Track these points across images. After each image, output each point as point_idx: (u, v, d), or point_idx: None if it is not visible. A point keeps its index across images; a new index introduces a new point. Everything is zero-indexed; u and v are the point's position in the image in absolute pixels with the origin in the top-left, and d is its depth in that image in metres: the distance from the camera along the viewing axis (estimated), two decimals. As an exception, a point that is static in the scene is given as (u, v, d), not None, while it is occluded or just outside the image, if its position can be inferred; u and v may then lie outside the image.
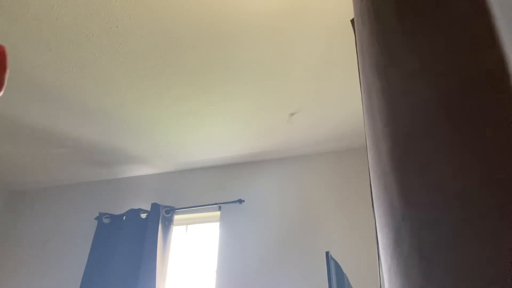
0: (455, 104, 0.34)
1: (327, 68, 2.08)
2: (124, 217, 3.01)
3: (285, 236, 2.73)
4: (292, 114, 2.50)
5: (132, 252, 2.83)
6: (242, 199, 2.96)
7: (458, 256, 0.31)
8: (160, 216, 2.90)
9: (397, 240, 0.39)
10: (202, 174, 3.23)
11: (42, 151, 2.93)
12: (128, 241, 2.88)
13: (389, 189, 0.42)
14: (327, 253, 1.65)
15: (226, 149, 2.96)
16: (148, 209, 3.01)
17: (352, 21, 1.03)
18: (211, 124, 2.61)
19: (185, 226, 3.18)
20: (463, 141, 0.33)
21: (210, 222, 3.11)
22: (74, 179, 3.50)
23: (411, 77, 0.40)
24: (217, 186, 3.12)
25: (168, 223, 2.98)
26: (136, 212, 3.00)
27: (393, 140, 0.42)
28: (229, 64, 2.04)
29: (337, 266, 1.73)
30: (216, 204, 2.99)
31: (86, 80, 2.14)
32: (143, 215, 2.99)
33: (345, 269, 1.90)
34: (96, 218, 3.11)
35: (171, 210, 3.02)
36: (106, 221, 3.05)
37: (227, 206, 2.99)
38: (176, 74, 2.11)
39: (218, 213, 3.02)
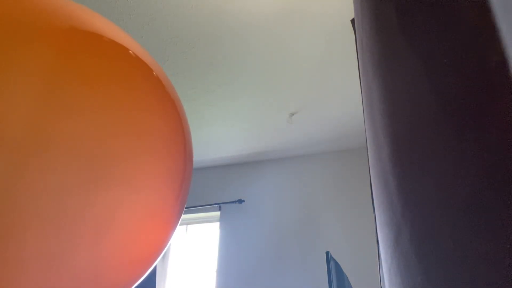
0: (456, 104, 0.34)
1: (327, 68, 2.08)
2: (124, 217, 3.01)
3: (285, 236, 2.73)
4: (292, 114, 2.50)
5: (132, 252, 2.82)
6: (242, 199, 2.96)
7: (459, 256, 0.31)
8: (160, 216, 2.90)
9: (397, 240, 0.39)
10: (202, 174, 3.23)
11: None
12: (128, 241, 2.88)
13: (389, 188, 0.42)
14: (327, 253, 1.65)
15: (226, 149, 2.96)
16: (148, 209, 3.00)
17: (352, 21, 1.03)
18: (211, 124, 2.61)
19: (185, 226, 3.18)
20: (463, 141, 0.33)
21: (210, 222, 3.11)
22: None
23: (411, 76, 0.40)
24: (217, 186, 3.12)
25: (168, 223, 2.97)
26: (136, 212, 3.00)
27: (393, 140, 0.42)
28: (229, 64, 2.04)
29: (337, 266, 1.73)
30: (216, 204, 2.99)
31: (86, 80, 2.14)
32: (143, 215, 2.99)
33: (345, 269, 1.90)
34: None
35: (171, 210, 3.02)
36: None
37: (227, 206, 2.98)
38: (176, 74, 2.11)
39: (218, 213, 3.02)
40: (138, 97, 0.63)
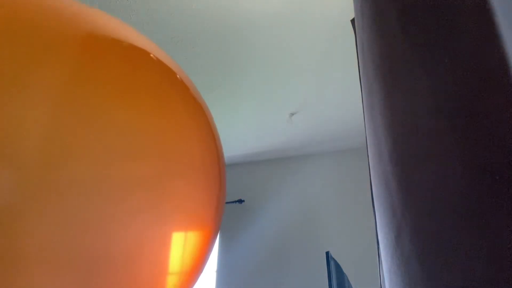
0: (456, 104, 0.34)
1: (327, 68, 2.08)
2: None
3: (285, 236, 2.73)
4: (292, 114, 2.50)
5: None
6: (242, 199, 2.96)
7: (459, 256, 0.31)
8: (160, 216, 2.90)
9: (397, 240, 0.39)
10: (202, 174, 3.22)
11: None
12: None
13: (389, 188, 0.42)
14: (327, 253, 1.65)
15: (226, 149, 2.96)
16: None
17: (352, 21, 1.03)
18: (211, 124, 2.61)
19: (185, 226, 3.18)
20: (464, 142, 0.33)
21: (210, 222, 3.11)
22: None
23: (412, 77, 0.40)
24: (217, 186, 3.12)
25: (168, 223, 2.98)
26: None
27: (393, 140, 0.42)
28: (229, 64, 2.04)
29: (337, 266, 1.73)
30: (216, 204, 2.99)
31: (86, 80, 2.14)
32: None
33: (345, 269, 1.90)
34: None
35: (171, 210, 3.02)
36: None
37: (227, 206, 2.99)
38: (176, 74, 2.11)
39: (218, 213, 3.02)
40: (163, 102, 0.58)
